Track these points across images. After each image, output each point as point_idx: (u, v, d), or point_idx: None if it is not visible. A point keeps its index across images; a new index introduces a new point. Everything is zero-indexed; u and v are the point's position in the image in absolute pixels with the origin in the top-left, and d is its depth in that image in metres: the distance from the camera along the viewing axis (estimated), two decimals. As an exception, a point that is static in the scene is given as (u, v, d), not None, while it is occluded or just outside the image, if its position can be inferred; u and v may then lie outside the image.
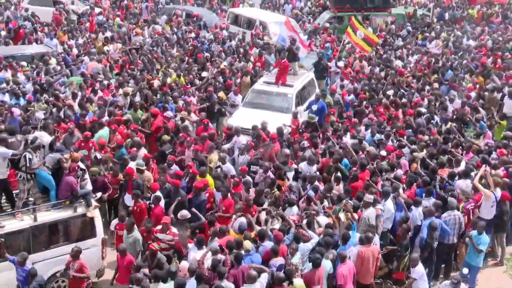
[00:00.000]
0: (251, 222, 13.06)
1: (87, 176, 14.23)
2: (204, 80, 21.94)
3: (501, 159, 16.02)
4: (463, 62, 25.38)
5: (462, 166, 15.61)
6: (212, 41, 28.16)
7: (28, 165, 12.66)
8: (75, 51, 25.29)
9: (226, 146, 17.33)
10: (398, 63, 25.34)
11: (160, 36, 28.14)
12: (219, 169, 15.67)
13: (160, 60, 24.30)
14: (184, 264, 12.01)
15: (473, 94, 20.93)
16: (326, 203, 14.02)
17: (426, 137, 17.40)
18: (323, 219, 13.24)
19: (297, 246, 12.10)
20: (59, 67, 22.26)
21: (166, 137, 16.95)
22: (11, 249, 12.23)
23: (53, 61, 22.74)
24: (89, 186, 14.11)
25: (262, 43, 27.36)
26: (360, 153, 16.29)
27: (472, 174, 15.02)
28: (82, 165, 14.05)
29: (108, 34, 27.71)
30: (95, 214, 13.26)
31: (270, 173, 15.33)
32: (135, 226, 13.09)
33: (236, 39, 28.76)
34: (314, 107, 19.90)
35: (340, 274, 11.85)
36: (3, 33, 27.04)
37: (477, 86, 22.02)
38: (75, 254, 12.08)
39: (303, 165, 15.81)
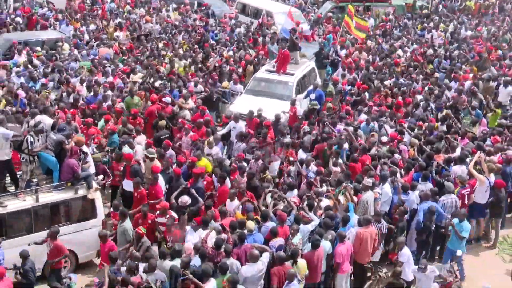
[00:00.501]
0: (256, 207, 13.29)
1: (90, 159, 14.37)
2: (210, 68, 22.04)
3: (496, 146, 16.26)
4: (460, 52, 25.54)
5: (458, 152, 15.85)
6: (220, 30, 28.20)
7: (29, 147, 12.82)
8: (86, 37, 25.61)
9: (220, 132, 17.44)
10: (399, 52, 25.38)
11: (168, 24, 28.28)
12: (209, 157, 15.65)
13: (168, 47, 24.42)
14: (188, 245, 12.16)
15: (468, 83, 21.15)
16: (325, 187, 14.20)
17: (426, 124, 17.65)
18: (323, 202, 13.47)
19: (298, 227, 12.31)
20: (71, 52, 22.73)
21: (162, 123, 16.94)
22: (13, 228, 12.47)
23: (66, 46, 23.15)
24: (92, 169, 14.29)
25: (269, 33, 27.26)
26: (360, 139, 16.46)
27: (468, 160, 15.25)
28: (85, 149, 14.22)
29: (119, 21, 27.99)
30: (96, 196, 13.37)
31: (261, 161, 15.43)
32: (127, 216, 12.93)
33: (242, 27, 28.80)
34: (312, 96, 20.11)
35: (339, 253, 12.12)
36: (18, 19, 27.30)
37: (471, 75, 22.18)
38: (52, 234, 12.05)
39: (300, 152, 15.98)
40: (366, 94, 20.22)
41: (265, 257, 11.57)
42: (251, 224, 12.32)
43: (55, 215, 12.98)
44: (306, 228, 12.52)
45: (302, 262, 11.64)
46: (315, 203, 13.23)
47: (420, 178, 14.60)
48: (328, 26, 30.12)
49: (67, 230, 12.86)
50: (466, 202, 14.43)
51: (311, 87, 20.72)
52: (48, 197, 12.90)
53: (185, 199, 13.28)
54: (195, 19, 29.96)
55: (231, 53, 24.41)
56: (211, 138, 16.22)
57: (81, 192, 13.20)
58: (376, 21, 32.59)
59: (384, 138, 16.46)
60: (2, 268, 11.07)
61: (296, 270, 11.38)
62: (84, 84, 19.19)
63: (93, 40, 24.74)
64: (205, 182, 14.40)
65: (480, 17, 34.60)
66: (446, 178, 14.60)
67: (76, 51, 22.92)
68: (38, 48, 22.54)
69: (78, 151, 13.66)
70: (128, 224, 12.73)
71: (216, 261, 11.53)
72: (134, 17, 29.50)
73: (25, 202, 12.62)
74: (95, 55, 22.67)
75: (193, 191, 13.64)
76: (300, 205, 13.27)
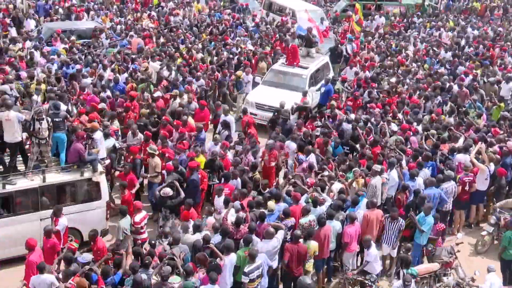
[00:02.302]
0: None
1: (103, 146, 14.47)
2: (222, 61, 22.19)
3: (497, 138, 16.42)
4: (464, 50, 25.54)
5: (460, 142, 16.04)
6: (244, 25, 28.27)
7: (33, 130, 13.04)
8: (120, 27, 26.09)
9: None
10: (409, 52, 25.21)
11: (195, 17, 28.62)
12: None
13: (189, 39, 24.59)
14: (210, 220, 12.48)
15: (468, 78, 21.29)
16: (326, 172, 14.37)
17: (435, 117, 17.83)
18: (336, 185, 13.73)
19: (310, 208, 12.54)
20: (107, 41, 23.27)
21: (144, 111, 16.86)
22: (21, 204, 12.64)
23: (102, 36, 23.62)
24: (103, 154, 14.43)
25: (291, 29, 27.12)
26: (371, 136, 16.36)
27: (471, 149, 15.42)
28: (98, 135, 14.30)
29: (150, 13, 28.52)
30: (101, 179, 13.38)
31: (250, 155, 15.19)
32: (125, 214, 12.60)
33: (263, 23, 28.83)
34: (323, 89, 20.47)
35: (348, 233, 12.32)
36: (60, 10, 28.11)
37: (475, 71, 22.18)
38: (47, 233, 11.64)
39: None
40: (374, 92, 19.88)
41: (280, 234, 11.79)
42: (272, 204, 12.62)
43: (61, 195, 13.08)
44: (320, 209, 12.73)
45: (313, 243, 11.86)
46: (327, 186, 13.47)
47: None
48: (345, 24, 29.89)
49: (72, 210, 12.97)
50: (466, 188, 14.60)
51: (323, 81, 20.98)
52: (55, 177, 13.02)
53: (167, 190, 13.17)
54: (222, 12, 30.12)
55: (250, 46, 24.45)
56: (217, 136, 16.30)
57: (87, 174, 13.24)
58: (387, 19, 32.50)
59: (394, 128, 16.60)
60: (33, 240, 11.24)
61: (308, 247, 11.67)
62: (108, 70, 19.58)
63: (125, 31, 25.19)
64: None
65: (486, 17, 34.44)
66: (448, 166, 14.77)
67: (107, 41, 23.34)
68: (73, 38, 22.99)
69: (85, 135, 13.74)
70: (122, 222, 12.37)
71: (235, 238, 11.75)
72: (165, 10, 29.83)
73: (32, 181, 12.74)
74: (125, 45, 22.99)
75: (177, 184, 13.44)
76: (313, 187, 13.47)
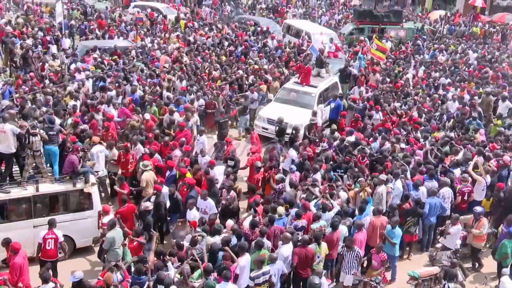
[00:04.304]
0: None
1: (102, 158, 14.75)
2: (232, 79, 22.50)
3: (494, 152, 16.57)
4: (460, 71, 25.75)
5: (460, 155, 16.28)
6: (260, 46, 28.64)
7: (28, 143, 13.03)
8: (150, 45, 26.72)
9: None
10: (409, 75, 25.11)
11: (217, 38, 29.16)
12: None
13: (211, 58, 24.97)
14: (229, 223, 12.71)
15: (466, 97, 21.56)
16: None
17: (442, 133, 18.11)
18: (342, 194, 13.99)
19: (320, 214, 12.79)
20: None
21: (134, 124, 16.97)
22: (15, 212, 12.65)
23: (133, 53, 24.34)
24: (101, 166, 14.73)
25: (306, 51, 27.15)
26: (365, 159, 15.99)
27: (470, 162, 15.62)
28: (99, 148, 14.67)
29: (177, 33, 29.26)
30: (92, 190, 13.29)
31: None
32: (114, 227, 12.15)
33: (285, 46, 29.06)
34: (332, 105, 20.74)
35: (358, 239, 12.48)
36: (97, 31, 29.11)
37: (469, 90, 22.36)
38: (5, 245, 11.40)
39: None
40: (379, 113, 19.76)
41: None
42: (281, 209, 12.87)
43: (53, 204, 13.05)
44: (329, 214, 12.99)
45: (324, 245, 12.08)
46: (335, 193, 13.75)
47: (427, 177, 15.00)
48: (357, 47, 29.96)
49: (64, 218, 12.96)
50: (465, 198, 14.82)
51: (332, 97, 21.28)
52: (48, 187, 12.99)
53: (147, 204, 13.06)
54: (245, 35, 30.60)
55: (266, 66, 24.65)
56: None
57: (79, 185, 13.17)
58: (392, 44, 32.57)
59: (403, 145, 16.74)
60: (17, 243, 11.19)
61: (318, 251, 11.87)
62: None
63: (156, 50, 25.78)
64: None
65: (485, 42, 34.70)
66: (448, 178, 14.99)
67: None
68: (103, 55, 23.63)
69: (79, 148, 13.82)
70: (112, 234, 11.96)
71: (251, 239, 12.02)
72: (189, 31, 30.45)
73: (26, 191, 12.73)
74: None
75: (159, 201, 13.42)
76: (322, 194, 13.70)
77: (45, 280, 10.47)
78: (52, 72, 20.85)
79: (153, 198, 13.49)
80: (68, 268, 12.12)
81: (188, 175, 14.59)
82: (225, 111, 20.02)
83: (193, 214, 12.93)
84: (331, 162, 15.78)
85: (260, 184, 15.26)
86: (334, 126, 18.66)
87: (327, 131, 18.69)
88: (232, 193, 13.84)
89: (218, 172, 14.91)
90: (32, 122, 13.76)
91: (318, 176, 14.72)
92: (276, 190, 14.34)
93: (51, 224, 11.93)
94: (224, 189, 14.04)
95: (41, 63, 22.17)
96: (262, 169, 15.42)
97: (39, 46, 24.22)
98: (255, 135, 17.73)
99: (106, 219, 12.55)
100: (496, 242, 13.84)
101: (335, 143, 16.92)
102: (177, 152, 15.51)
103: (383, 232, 12.90)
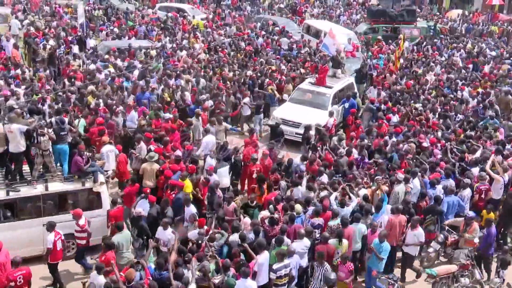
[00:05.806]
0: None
1: (112, 158, 14.79)
2: (241, 80, 22.40)
3: (512, 151, 16.40)
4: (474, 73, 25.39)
5: (478, 153, 16.14)
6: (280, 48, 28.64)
7: (36, 142, 13.10)
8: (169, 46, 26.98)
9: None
10: (428, 77, 24.45)
11: (236, 38, 29.37)
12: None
13: (225, 58, 25.05)
14: (247, 220, 12.77)
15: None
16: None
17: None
18: (362, 191, 13.93)
19: (338, 211, 12.78)
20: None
21: (142, 122, 17.10)
22: (24, 210, 12.68)
23: (153, 52, 24.56)
24: (111, 166, 14.77)
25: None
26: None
27: (488, 161, 15.42)
28: (107, 147, 14.69)
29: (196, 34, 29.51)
30: (101, 189, 13.29)
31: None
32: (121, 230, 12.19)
33: (304, 48, 29.02)
34: (346, 105, 20.63)
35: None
36: (116, 30, 29.51)
37: (483, 90, 22.04)
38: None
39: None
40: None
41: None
42: (298, 207, 12.92)
43: (63, 203, 13.06)
44: (347, 210, 13.01)
45: (345, 242, 12.11)
46: (354, 190, 13.77)
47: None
48: (376, 48, 29.81)
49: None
50: (482, 196, 14.66)
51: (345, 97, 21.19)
52: (57, 186, 13.03)
53: (138, 210, 12.96)
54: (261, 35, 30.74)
55: (283, 67, 24.64)
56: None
57: (88, 185, 13.20)
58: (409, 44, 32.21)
59: (425, 144, 16.63)
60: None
61: (339, 247, 11.92)
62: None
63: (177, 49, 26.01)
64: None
65: (503, 40, 34.39)
66: (466, 176, 14.87)
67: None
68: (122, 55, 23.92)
69: (84, 148, 13.90)
70: (117, 238, 11.95)
71: (270, 235, 12.09)
72: (209, 31, 30.76)
73: (35, 189, 12.79)
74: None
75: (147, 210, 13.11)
76: (341, 187, 13.68)
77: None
78: (75, 72, 21.08)
79: (142, 201, 13.26)
80: (68, 268, 12.37)
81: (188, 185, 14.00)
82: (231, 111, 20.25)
83: (168, 233, 12.22)
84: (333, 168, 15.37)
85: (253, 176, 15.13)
86: (343, 136, 18.41)
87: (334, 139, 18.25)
88: (233, 204, 13.50)
89: (222, 174, 14.94)
90: (39, 122, 13.81)
91: (324, 178, 14.60)
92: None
93: (52, 227, 11.82)
94: (225, 202, 13.55)
95: (65, 63, 22.54)
96: (258, 161, 15.47)
97: (62, 46, 24.61)
98: (255, 135, 17.81)
99: (82, 222, 12.37)
100: None
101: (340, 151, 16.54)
102: (178, 153, 15.45)
103: (370, 246, 12.32)
